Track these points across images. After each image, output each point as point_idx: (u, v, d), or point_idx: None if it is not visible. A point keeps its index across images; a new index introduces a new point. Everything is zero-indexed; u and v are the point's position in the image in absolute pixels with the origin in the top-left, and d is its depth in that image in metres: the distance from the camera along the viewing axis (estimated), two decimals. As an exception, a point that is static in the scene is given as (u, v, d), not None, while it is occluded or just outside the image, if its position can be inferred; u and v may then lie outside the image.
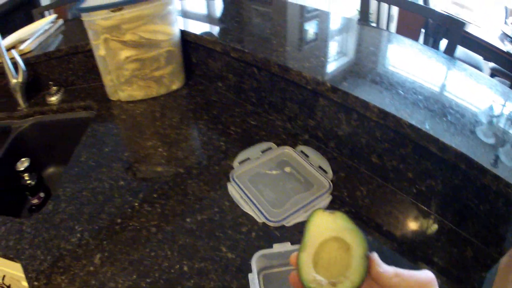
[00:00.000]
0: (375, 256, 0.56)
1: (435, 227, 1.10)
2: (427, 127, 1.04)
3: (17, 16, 5.45)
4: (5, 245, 1.11)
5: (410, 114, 1.08)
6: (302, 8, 1.99)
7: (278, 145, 1.37)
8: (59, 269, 1.00)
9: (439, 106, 1.14)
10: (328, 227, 0.59)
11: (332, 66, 1.35)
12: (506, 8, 3.84)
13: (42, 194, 1.56)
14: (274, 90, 1.47)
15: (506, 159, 0.98)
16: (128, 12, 1.47)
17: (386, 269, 0.54)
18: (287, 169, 1.26)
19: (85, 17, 1.50)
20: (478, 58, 3.67)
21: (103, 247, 1.04)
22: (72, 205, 1.18)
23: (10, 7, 5.21)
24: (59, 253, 1.03)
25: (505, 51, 3.06)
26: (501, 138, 1.05)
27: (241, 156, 1.31)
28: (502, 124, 1.11)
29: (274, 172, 1.25)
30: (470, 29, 3.34)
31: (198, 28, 1.79)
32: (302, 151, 1.34)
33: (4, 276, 1.30)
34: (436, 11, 2.34)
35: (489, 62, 3.71)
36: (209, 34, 1.68)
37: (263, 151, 1.33)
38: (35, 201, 1.56)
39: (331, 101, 1.28)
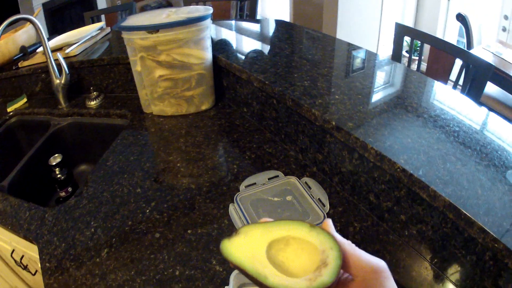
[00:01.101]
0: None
1: (421, 270, 1.13)
2: (420, 173, 1.08)
3: (74, 11, 5.68)
4: (27, 228, 1.26)
5: (407, 159, 1.13)
6: (335, 42, 2.05)
7: (286, 174, 1.45)
8: (70, 256, 1.13)
9: (441, 152, 1.18)
10: (246, 249, 0.60)
11: (343, 105, 1.41)
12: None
13: (70, 189, 1.69)
14: (289, 122, 1.56)
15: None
16: (164, 35, 1.60)
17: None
18: (289, 198, 1.33)
19: (125, 35, 1.64)
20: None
21: (111, 243, 1.16)
22: (92, 203, 1.32)
23: (68, 1, 5.43)
24: (72, 242, 1.16)
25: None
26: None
27: (249, 180, 1.41)
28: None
29: (275, 199, 1.33)
30: (510, 70, 3.30)
31: (233, 53, 1.90)
32: (306, 183, 1.41)
33: (22, 256, 1.44)
34: (466, 52, 2.36)
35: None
36: (239, 61, 1.79)
37: (270, 178, 1.42)
38: (62, 194, 1.69)
39: (336, 139, 1.35)
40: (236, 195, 1.33)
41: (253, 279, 0.58)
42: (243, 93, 1.81)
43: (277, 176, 1.44)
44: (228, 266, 1.10)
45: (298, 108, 1.44)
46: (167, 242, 1.17)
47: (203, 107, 1.88)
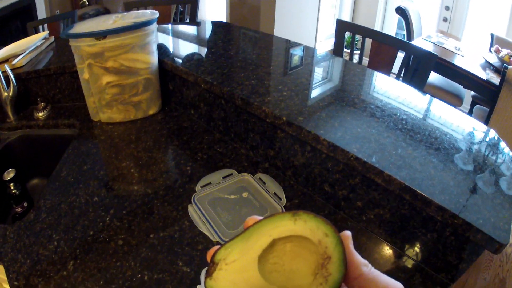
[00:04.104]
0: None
1: (383, 252, 1.19)
2: (373, 160, 1.14)
3: (13, 23, 5.56)
4: (-10, 247, 1.24)
5: (359, 148, 1.19)
6: (276, 40, 2.11)
7: (240, 171, 1.49)
8: (37, 272, 1.11)
9: (392, 140, 1.25)
10: (237, 280, 0.49)
11: (291, 100, 1.46)
12: (492, 35, 3.91)
13: (25, 204, 1.66)
14: (238, 121, 1.60)
15: (483, 186, 1.08)
16: (111, 41, 1.60)
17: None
18: (245, 195, 1.37)
19: (72, 42, 1.62)
20: (460, 86, 3.75)
21: (76, 255, 1.16)
22: (51, 216, 1.30)
23: (7, 13, 5.30)
24: (37, 258, 1.15)
25: (485, 79, 3.16)
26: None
27: (204, 180, 1.43)
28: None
29: (232, 196, 1.36)
30: (452, 58, 3.41)
31: (177, 56, 1.92)
32: (260, 178, 1.45)
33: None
34: (408, 43, 2.43)
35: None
36: (184, 64, 1.81)
37: (224, 177, 1.46)
38: (18, 209, 1.65)
39: (287, 133, 1.39)
40: (193, 196, 1.36)
41: None
42: (190, 95, 1.83)
43: (231, 175, 1.48)
44: (196, 266, 1.12)
45: (247, 106, 1.48)
46: (131, 248, 1.18)
47: (151, 112, 1.90)
